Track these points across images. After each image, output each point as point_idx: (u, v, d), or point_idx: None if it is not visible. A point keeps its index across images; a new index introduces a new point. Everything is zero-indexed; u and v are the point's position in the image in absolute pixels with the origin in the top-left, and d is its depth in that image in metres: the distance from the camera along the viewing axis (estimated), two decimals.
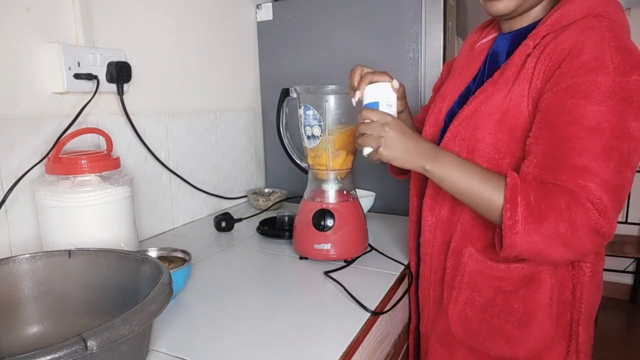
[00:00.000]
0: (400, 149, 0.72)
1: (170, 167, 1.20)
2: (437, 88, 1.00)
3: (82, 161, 0.81)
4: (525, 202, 0.63)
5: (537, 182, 0.66)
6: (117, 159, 0.88)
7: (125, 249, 0.84)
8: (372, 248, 1.04)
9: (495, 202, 0.66)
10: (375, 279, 0.89)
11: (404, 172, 1.03)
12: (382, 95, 0.78)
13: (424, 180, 0.89)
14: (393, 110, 0.78)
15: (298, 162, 1.06)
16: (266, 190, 1.51)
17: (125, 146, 1.06)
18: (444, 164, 0.70)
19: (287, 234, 1.11)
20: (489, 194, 0.67)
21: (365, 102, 0.79)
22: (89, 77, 0.93)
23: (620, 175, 0.62)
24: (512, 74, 0.73)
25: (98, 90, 0.96)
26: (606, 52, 0.63)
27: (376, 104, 0.77)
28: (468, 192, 0.69)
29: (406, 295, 0.95)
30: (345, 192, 0.99)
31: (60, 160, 0.82)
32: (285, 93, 1.01)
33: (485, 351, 0.80)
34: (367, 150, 0.75)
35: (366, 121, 0.75)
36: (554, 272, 0.74)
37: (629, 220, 2.69)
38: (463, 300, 0.80)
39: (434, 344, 0.88)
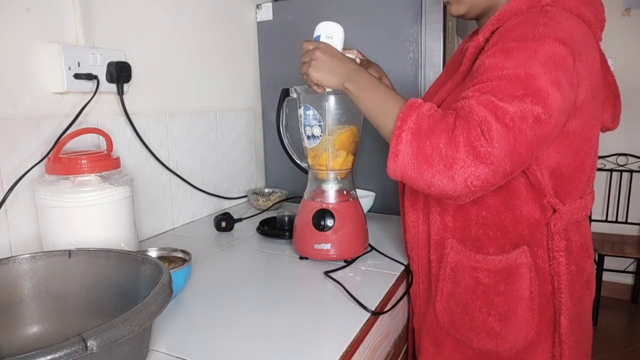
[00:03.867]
0: (326, 69, 0.77)
1: (170, 167, 1.20)
2: None
3: (82, 161, 0.81)
4: (417, 115, 0.65)
5: (437, 107, 0.68)
6: (117, 159, 0.88)
7: (125, 249, 0.84)
8: (372, 248, 1.04)
9: (394, 114, 0.68)
10: (375, 279, 0.89)
11: None
12: (324, 29, 0.85)
13: None
14: (333, 42, 0.83)
15: (298, 162, 1.06)
16: (266, 190, 1.51)
17: (125, 146, 1.06)
18: (360, 83, 0.75)
19: (287, 234, 1.11)
20: (390, 107, 0.69)
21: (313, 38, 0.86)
22: (89, 77, 0.93)
23: (518, 116, 0.60)
24: (465, 68, 0.77)
25: (98, 90, 0.96)
26: (531, 28, 0.65)
27: (318, 36, 0.85)
28: (374, 107, 0.72)
29: (406, 295, 0.95)
30: (345, 192, 0.99)
31: (60, 160, 0.82)
32: (285, 93, 1.01)
33: (468, 343, 0.82)
34: (306, 77, 0.81)
35: (305, 51, 0.81)
36: (532, 266, 0.75)
37: (629, 220, 2.68)
38: (447, 292, 0.83)
39: (425, 338, 0.90)
